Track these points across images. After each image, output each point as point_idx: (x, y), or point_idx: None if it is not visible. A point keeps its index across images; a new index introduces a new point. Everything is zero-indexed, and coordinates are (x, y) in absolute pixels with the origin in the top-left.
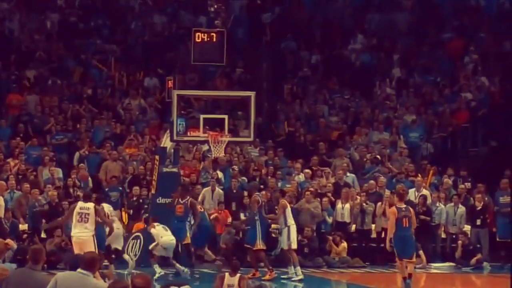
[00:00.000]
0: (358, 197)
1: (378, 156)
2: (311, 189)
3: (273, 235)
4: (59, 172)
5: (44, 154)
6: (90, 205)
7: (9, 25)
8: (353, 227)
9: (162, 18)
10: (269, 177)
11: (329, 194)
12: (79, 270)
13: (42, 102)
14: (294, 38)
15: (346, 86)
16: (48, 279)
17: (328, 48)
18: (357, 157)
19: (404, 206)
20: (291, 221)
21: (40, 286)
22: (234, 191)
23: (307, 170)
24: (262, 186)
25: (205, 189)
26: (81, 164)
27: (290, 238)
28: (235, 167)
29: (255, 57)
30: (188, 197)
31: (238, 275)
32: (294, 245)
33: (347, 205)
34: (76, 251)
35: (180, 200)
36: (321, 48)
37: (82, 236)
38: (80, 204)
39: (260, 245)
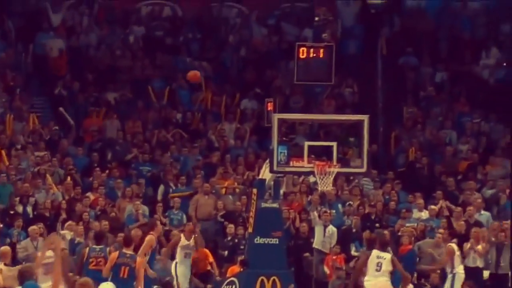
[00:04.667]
0: (493, 238)
1: None
2: (442, 231)
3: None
4: (145, 210)
5: (127, 186)
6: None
7: (86, 40)
8: (487, 273)
9: (261, 31)
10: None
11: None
12: None
13: (124, 127)
14: (416, 52)
15: (477, 108)
16: None
17: (456, 63)
18: (490, 192)
19: None
20: (459, 268)
21: None
22: (354, 230)
23: (432, 207)
24: (377, 225)
25: (316, 227)
26: (173, 200)
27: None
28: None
29: (369, 74)
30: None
31: None
32: None
33: (479, 247)
34: None
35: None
36: (448, 64)
37: None
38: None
39: None
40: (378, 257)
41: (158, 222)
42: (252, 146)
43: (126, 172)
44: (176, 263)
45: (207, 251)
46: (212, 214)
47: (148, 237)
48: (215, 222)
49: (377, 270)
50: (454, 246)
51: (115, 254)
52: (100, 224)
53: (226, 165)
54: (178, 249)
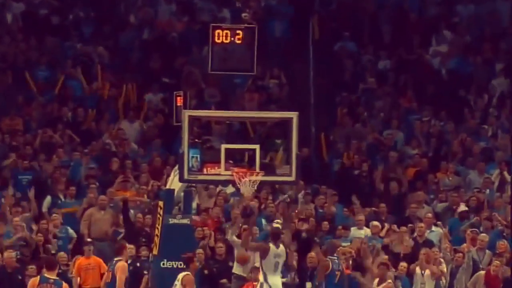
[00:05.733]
0: (442, 261)
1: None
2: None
3: None
4: (23, 228)
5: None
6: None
7: None
8: None
9: (169, 9)
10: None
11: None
12: None
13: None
14: (354, 37)
15: (427, 103)
16: None
17: (402, 50)
18: (443, 205)
19: None
20: None
21: None
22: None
23: (375, 223)
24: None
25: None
26: (55, 215)
27: None
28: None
29: (299, 63)
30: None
31: None
32: None
33: (428, 272)
34: None
35: None
36: (392, 51)
37: None
38: (39, 278)
39: None
40: (275, 256)
41: (130, 246)
42: (157, 149)
43: (1, 181)
44: None
45: (100, 259)
46: (109, 232)
47: (119, 265)
48: (112, 241)
49: (274, 271)
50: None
51: (35, 280)
52: None
53: (126, 173)
54: None
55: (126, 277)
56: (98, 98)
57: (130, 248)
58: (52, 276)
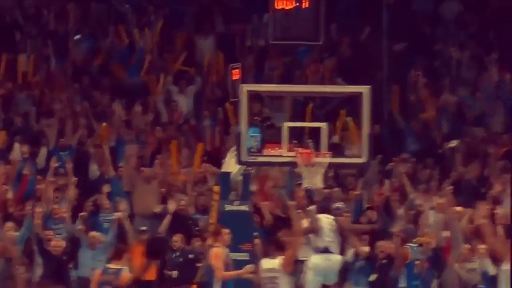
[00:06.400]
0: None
1: None
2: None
3: None
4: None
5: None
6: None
7: None
8: None
9: None
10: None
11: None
12: None
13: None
14: None
15: None
16: None
17: (490, 11)
18: None
19: None
20: None
21: None
22: None
23: (456, 208)
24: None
25: None
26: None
27: None
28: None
29: (371, 30)
30: None
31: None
32: None
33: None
34: None
35: None
36: (483, 10)
37: None
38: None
39: None
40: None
41: (226, 230)
42: (211, 127)
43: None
44: None
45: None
46: (154, 208)
47: (215, 251)
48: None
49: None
50: None
51: (98, 272)
52: None
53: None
54: None
55: (226, 264)
56: (143, 61)
57: (175, 240)
58: (117, 265)
